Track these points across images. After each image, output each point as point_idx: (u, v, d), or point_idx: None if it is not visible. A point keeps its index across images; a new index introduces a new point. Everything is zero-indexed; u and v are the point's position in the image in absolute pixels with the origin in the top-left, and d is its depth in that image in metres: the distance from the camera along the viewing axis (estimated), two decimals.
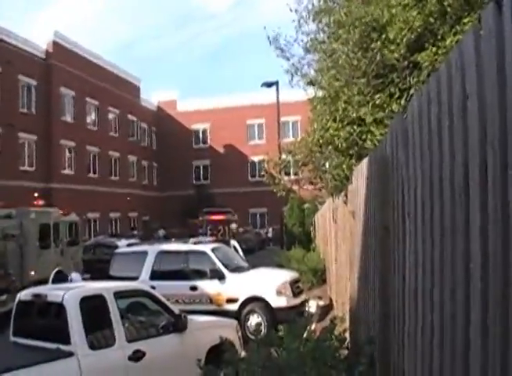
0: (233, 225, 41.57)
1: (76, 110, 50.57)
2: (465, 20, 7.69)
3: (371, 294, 5.43)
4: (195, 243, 17.25)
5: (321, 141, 11.48)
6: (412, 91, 8.45)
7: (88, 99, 52.33)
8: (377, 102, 9.30)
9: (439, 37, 8.21)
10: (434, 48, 8.08)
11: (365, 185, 6.05)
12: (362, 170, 6.49)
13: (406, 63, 8.80)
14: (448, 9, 8.10)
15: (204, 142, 69.53)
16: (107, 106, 55.92)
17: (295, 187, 20.05)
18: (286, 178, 19.55)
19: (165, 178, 67.93)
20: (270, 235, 57.16)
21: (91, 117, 53.73)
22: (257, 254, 40.31)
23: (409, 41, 8.58)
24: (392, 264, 4.38)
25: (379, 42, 9.01)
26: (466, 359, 2.38)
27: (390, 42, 8.82)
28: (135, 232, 52.34)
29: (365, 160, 6.31)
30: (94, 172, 53.04)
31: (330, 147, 11.39)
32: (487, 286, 2.16)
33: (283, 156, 18.65)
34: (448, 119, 2.71)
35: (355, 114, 9.98)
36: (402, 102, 8.78)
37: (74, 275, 17.53)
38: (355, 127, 10.16)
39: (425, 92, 3.24)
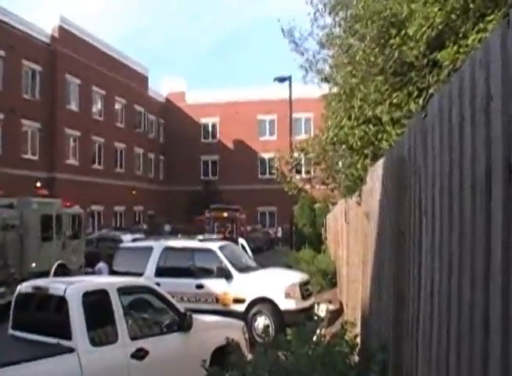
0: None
1: (81, 99, 50.49)
2: (489, 18, 7.62)
3: (384, 298, 5.42)
4: (202, 239, 17.27)
5: (335, 139, 11.46)
6: (431, 90, 8.41)
7: (94, 87, 52.27)
8: (394, 101, 9.27)
9: (461, 35, 8.14)
10: (456, 47, 8.02)
11: (381, 186, 6.04)
12: (377, 170, 6.48)
13: (426, 61, 8.76)
14: (471, 6, 8.04)
15: (213, 136, 69.59)
16: (114, 95, 55.89)
17: (307, 186, 20.02)
18: (297, 176, 19.53)
19: (172, 172, 68.07)
20: (279, 235, 57.13)
21: (96, 107, 53.69)
22: (265, 253, 40.31)
23: (430, 38, 8.52)
24: (407, 267, 4.37)
25: (397, 38, 8.96)
26: (485, 368, 2.37)
27: (409, 39, 8.77)
28: (145, 226, 52.44)
29: (380, 161, 6.31)
30: (99, 163, 53.14)
31: (344, 146, 11.38)
32: (508, 290, 2.15)
33: (295, 154, 18.62)
34: (470, 119, 2.71)
35: (371, 113, 9.96)
36: (421, 101, 8.74)
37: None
38: (370, 126, 10.13)
39: (446, 91, 3.23)
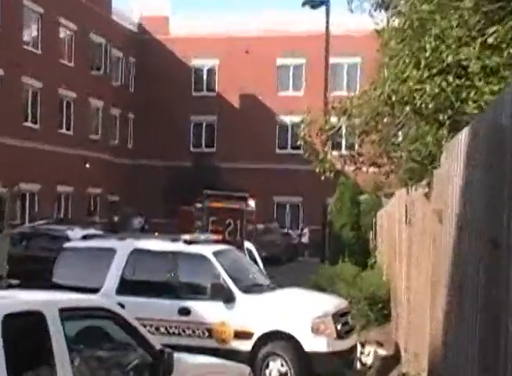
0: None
1: (4, 18, 48.77)
2: None
3: (468, 340, 5.41)
4: (189, 241, 17.26)
5: (393, 98, 11.42)
6: None
7: (25, 1, 51.12)
8: (490, 39, 9.21)
9: None
10: None
11: (463, 170, 6.03)
12: (458, 147, 6.47)
13: None
14: None
15: (210, 87, 69.72)
16: (57, 16, 54.83)
17: (348, 168, 19.93)
18: (334, 152, 19.49)
19: (146, 138, 67.85)
20: (305, 239, 57.26)
21: (30, 32, 52.84)
22: (284, 266, 40.49)
23: None
24: (503, 294, 4.35)
25: None
26: None
27: None
28: (116, 218, 52.49)
29: (464, 132, 6.29)
30: (33, 120, 52.40)
31: (408, 108, 11.34)
32: None
33: (332, 118, 18.52)
34: None
35: (451, 58, 9.91)
36: None
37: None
38: (450, 78, 10.09)
39: None
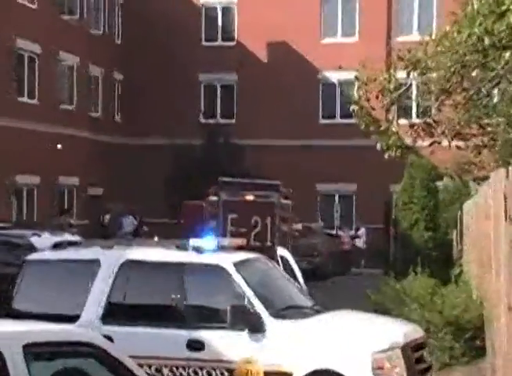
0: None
1: None
2: None
3: None
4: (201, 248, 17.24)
5: (486, 41, 11.34)
6: None
7: None
8: None
9: None
10: None
11: None
12: None
13: None
14: None
15: (227, 35, 69.69)
16: None
17: (422, 142, 19.82)
18: (402, 121, 19.42)
19: (139, 107, 68.06)
20: (361, 243, 57.35)
21: None
22: (331, 281, 40.51)
23: None
24: None
25: None
26: None
27: None
28: (106, 218, 52.65)
29: None
30: None
31: (508, 55, 11.27)
32: None
33: (398, 73, 18.44)
34: None
35: None
36: None
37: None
38: None
39: None
